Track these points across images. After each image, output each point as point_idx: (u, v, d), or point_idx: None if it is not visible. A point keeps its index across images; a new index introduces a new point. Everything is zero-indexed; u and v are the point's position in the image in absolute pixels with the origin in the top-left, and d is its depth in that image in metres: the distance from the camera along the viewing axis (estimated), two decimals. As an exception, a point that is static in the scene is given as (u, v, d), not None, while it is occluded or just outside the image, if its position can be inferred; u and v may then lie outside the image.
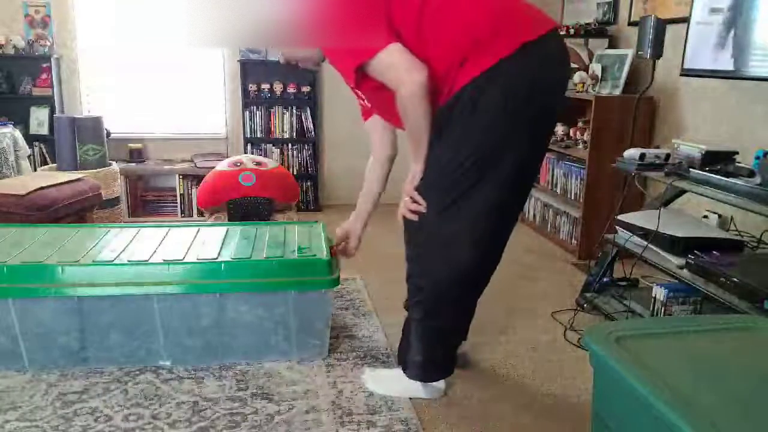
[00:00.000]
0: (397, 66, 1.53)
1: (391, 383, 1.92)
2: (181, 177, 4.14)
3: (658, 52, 2.71)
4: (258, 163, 3.54)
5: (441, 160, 1.66)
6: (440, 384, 1.91)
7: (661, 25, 2.69)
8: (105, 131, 3.76)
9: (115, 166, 3.79)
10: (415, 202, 1.71)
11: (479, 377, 2.06)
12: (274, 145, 4.31)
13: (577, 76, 3.50)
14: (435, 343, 1.85)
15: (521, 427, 1.79)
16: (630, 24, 3.43)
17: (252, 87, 4.23)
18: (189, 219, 4.12)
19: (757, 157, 2.09)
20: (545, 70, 1.60)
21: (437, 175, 1.67)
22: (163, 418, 1.76)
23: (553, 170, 3.72)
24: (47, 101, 4.08)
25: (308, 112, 4.30)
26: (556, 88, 1.66)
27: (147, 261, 1.97)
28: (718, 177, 2.08)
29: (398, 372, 1.92)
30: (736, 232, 2.43)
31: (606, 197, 3.20)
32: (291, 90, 4.26)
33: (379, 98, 1.72)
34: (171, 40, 4.06)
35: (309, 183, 4.40)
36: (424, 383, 1.88)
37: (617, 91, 3.27)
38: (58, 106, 4.11)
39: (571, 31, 3.61)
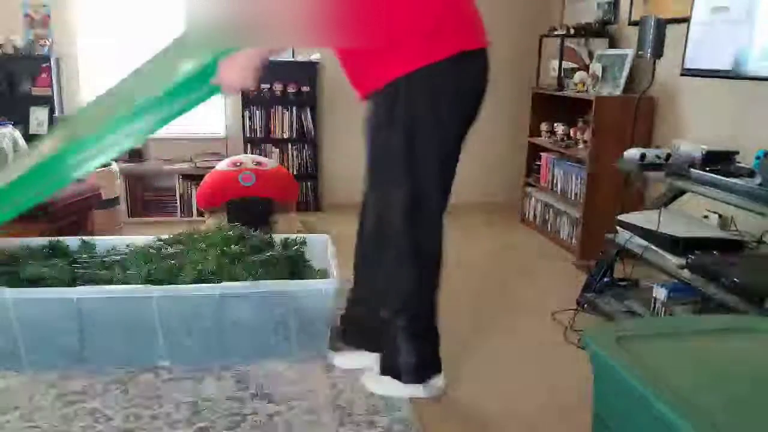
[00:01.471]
0: None
1: (392, 385, 1.91)
2: (180, 177, 4.14)
3: (658, 52, 2.71)
4: (258, 163, 3.54)
5: (390, 148, 1.70)
6: (439, 382, 1.91)
7: (662, 25, 2.69)
8: (105, 131, 3.75)
9: (115, 166, 3.78)
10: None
11: (479, 377, 2.06)
12: (274, 145, 4.31)
13: (577, 76, 3.50)
14: (424, 341, 1.87)
15: (521, 428, 1.79)
16: (630, 24, 3.43)
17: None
18: (189, 219, 4.12)
19: (757, 157, 2.09)
20: (474, 81, 1.79)
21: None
22: (162, 418, 1.76)
23: (553, 170, 3.72)
24: (47, 101, 4.08)
25: (308, 112, 4.30)
26: (479, 99, 1.86)
27: None
28: (719, 177, 2.08)
29: (388, 379, 1.90)
30: (736, 232, 2.43)
31: (606, 197, 3.20)
32: (291, 90, 4.25)
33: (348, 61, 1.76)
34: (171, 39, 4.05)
35: (309, 183, 4.40)
36: (424, 384, 1.88)
37: (617, 91, 3.27)
38: (58, 106, 4.10)
39: (571, 31, 3.61)
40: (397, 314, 1.82)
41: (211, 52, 1.70)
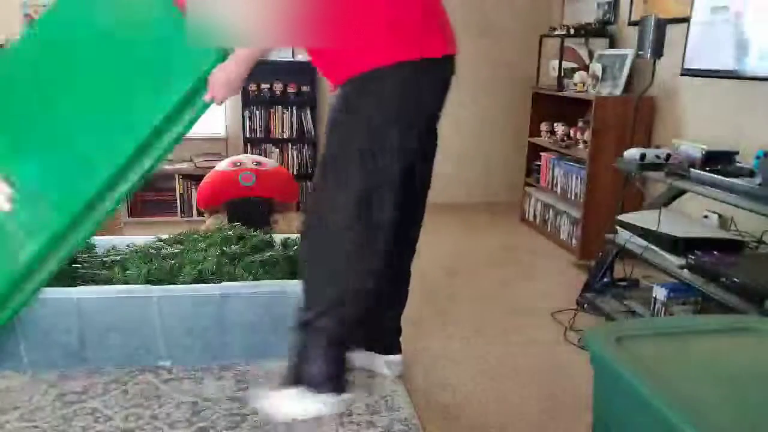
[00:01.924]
0: None
1: (295, 403, 1.72)
2: (180, 177, 4.14)
3: (658, 52, 2.71)
4: (258, 163, 3.54)
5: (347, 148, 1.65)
6: (350, 394, 1.78)
7: (662, 25, 2.69)
8: (105, 131, 3.75)
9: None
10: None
11: (479, 377, 2.06)
12: (274, 145, 4.31)
13: (577, 76, 3.50)
14: (345, 350, 1.75)
15: (521, 427, 1.79)
16: (630, 24, 3.43)
17: (252, 87, 4.22)
18: (189, 219, 4.12)
19: (757, 157, 2.09)
20: (441, 83, 1.73)
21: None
22: (162, 418, 1.76)
23: (553, 170, 3.72)
24: (47, 101, 4.07)
25: (308, 112, 4.30)
26: (442, 100, 1.77)
27: None
28: (719, 177, 2.08)
29: (299, 391, 1.72)
30: (736, 232, 2.43)
31: (606, 197, 3.20)
32: (291, 90, 4.25)
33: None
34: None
35: (309, 183, 4.40)
36: (336, 395, 1.73)
37: (617, 91, 3.27)
38: (58, 106, 4.10)
39: (571, 31, 3.61)
40: (324, 315, 1.68)
41: (195, 70, 1.63)
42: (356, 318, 1.72)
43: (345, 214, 1.62)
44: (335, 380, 1.72)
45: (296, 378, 1.72)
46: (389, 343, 1.99)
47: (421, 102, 1.66)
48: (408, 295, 2.03)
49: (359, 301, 1.71)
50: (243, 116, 4.23)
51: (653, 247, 2.30)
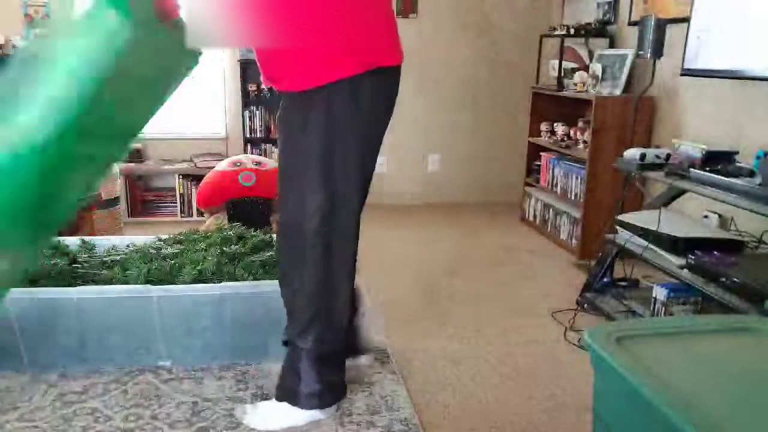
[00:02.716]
0: None
1: (280, 416, 1.74)
2: (180, 177, 4.14)
3: (658, 52, 2.71)
4: (258, 163, 3.54)
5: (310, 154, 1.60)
6: (332, 408, 1.79)
7: (662, 25, 2.69)
8: (105, 131, 3.75)
9: (115, 166, 3.78)
10: None
11: (479, 377, 2.06)
12: (274, 145, 4.30)
13: (577, 76, 3.50)
14: (330, 365, 1.76)
15: (521, 427, 1.79)
16: (630, 24, 3.43)
17: (252, 87, 4.22)
18: (189, 219, 4.12)
19: (757, 157, 2.09)
20: (390, 92, 1.65)
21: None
22: (162, 418, 1.76)
23: (553, 170, 3.72)
24: (47, 101, 4.08)
25: (308, 112, 4.29)
26: (392, 109, 1.68)
27: None
28: (719, 177, 2.08)
29: (284, 405, 1.75)
30: (736, 232, 2.43)
31: (606, 197, 3.20)
32: (291, 90, 4.25)
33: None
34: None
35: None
36: (321, 410, 1.76)
37: (617, 91, 3.27)
38: (58, 106, 4.10)
39: (571, 31, 3.61)
40: (301, 335, 1.69)
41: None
42: (339, 332, 1.73)
43: (315, 222, 1.61)
44: (324, 396, 1.74)
45: (284, 395, 1.75)
46: (353, 346, 1.96)
47: (378, 103, 1.63)
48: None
49: (338, 313, 1.71)
50: (243, 116, 4.23)
51: (653, 247, 2.30)
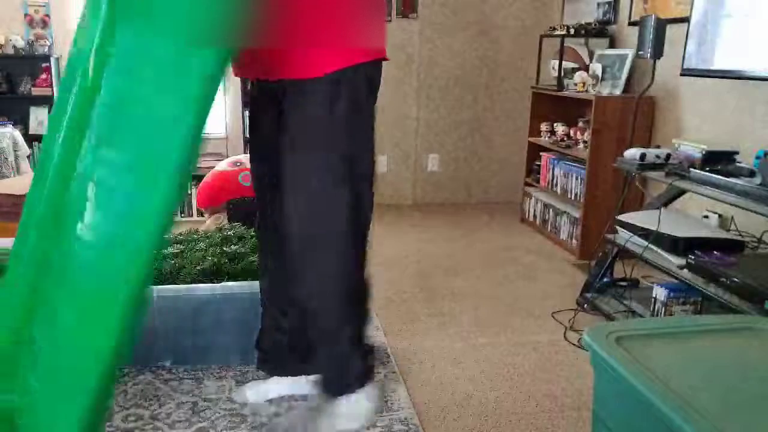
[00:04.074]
0: None
1: (353, 407, 1.70)
2: (180, 177, 4.13)
3: (658, 52, 2.71)
4: (258, 163, 3.54)
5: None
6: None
7: (662, 25, 2.69)
8: (105, 131, 3.75)
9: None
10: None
11: (479, 377, 2.06)
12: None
13: (578, 76, 3.50)
14: (363, 341, 1.73)
15: (521, 427, 1.79)
16: (630, 24, 3.43)
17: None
18: (189, 219, 4.12)
19: (758, 157, 2.09)
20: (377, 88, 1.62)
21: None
22: (162, 418, 1.76)
23: (553, 170, 3.72)
24: (47, 101, 4.08)
25: (308, 112, 4.29)
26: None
27: None
28: (719, 177, 2.08)
29: (344, 399, 1.70)
30: (736, 232, 2.43)
31: (606, 197, 3.20)
32: (291, 90, 4.25)
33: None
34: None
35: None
36: (371, 383, 1.73)
37: (617, 91, 3.27)
38: (58, 106, 4.10)
39: (571, 31, 3.61)
40: (340, 327, 1.66)
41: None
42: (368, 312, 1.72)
43: (345, 216, 1.57)
44: (368, 373, 1.72)
45: (340, 388, 1.70)
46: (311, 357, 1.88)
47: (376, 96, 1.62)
48: None
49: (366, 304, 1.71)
50: (243, 116, 4.23)
51: (653, 247, 2.30)
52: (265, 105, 1.65)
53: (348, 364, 1.69)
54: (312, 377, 1.87)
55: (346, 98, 1.49)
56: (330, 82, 1.47)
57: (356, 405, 1.70)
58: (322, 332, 1.69)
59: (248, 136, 1.53)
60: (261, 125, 1.71)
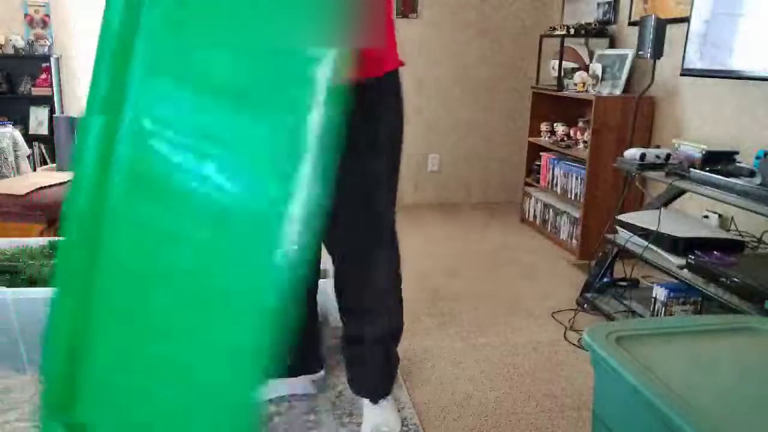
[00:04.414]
0: None
1: (391, 416, 1.76)
2: (181, 177, 4.14)
3: (658, 52, 2.71)
4: (258, 163, 3.54)
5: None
6: None
7: (662, 25, 2.69)
8: (105, 131, 3.75)
9: (115, 166, 3.78)
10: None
11: (479, 377, 2.06)
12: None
13: (578, 76, 3.50)
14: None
15: (521, 428, 1.79)
16: (630, 24, 3.43)
17: (252, 87, 4.22)
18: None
19: (758, 157, 2.09)
20: None
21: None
22: (162, 418, 1.75)
23: (553, 170, 3.72)
24: (47, 101, 4.08)
25: (308, 112, 4.29)
26: None
27: None
28: (719, 177, 2.08)
29: (385, 402, 1.76)
30: (736, 232, 2.43)
31: (606, 197, 3.20)
32: (291, 90, 4.25)
33: None
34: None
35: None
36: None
37: (617, 91, 3.27)
38: (58, 106, 4.11)
39: (571, 31, 3.62)
40: (394, 321, 1.74)
41: None
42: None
43: (391, 219, 1.64)
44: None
45: (383, 392, 1.77)
46: (312, 361, 1.93)
47: None
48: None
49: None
50: (243, 116, 4.23)
51: (653, 247, 2.30)
52: None
53: (388, 367, 1.77)
54: (314, 377, 1.90)
55: (398, 96, 1.57)
56: (390, 79, 1.55)
57: (392, 407, 1.77)
58: (391, 331, 1.74)
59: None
60: None
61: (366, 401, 1.76)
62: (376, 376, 1.75)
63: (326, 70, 0.91)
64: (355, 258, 1.64)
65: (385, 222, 1.62)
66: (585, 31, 3.63)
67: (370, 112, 1.50)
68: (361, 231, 1.60)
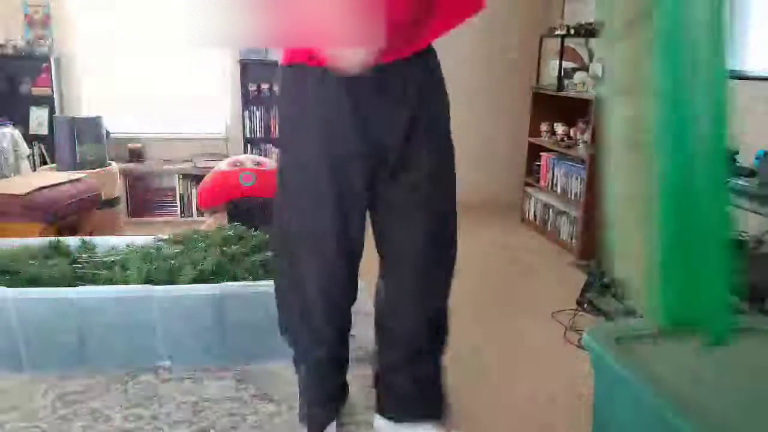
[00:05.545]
0: None
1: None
2: (181, 177, 4.14)
3: (658, 52, 2.71)
4: (258, 163, 3.54)
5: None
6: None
7: (661, 25, 2.69)
8: (104, 131, 3.75)
9: (115, 166, 3.78)
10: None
11: (479, 378, 2.06)
12: (274, 145, 4.31)
13: (578, 76, 3.50)
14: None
15: (521, 428, 1.79)
16: (630, 24, 3.43)
17: (252, 87, 4.23)
18: (189, 219, 4.12)
19: (758, 157, 2.09)
20: None
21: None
22: (163, 418, 1.75)
23: (553, 170, 3.72)
24: (47, 101, 4.08)
25: (308, 112, 4.29)
26: None
27: None
28: (718, 177, 2.08)
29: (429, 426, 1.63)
30: (736, 232, 2.42)
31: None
32: (291, 90, 4.25)
33: None
34: (170, 40, 4.06)
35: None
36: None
37: (617, 91, 3.27)
38: (58, 106, 4.11)
39: (571, 31, 3.61)
40: (443, 343, 1.71)
41: None
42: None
43: (455, 221, 1.78)
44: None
45: (435, 413, 1.67)
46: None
47: None
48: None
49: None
50: (243, 116, 4.24)
51: (653, 247, 2.30)
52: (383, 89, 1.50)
53: (437, 386, 1.69)
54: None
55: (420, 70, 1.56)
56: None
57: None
58: (442, 342, 1.72)
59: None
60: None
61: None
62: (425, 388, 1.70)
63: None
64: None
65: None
66: (585, 31, 3.63)
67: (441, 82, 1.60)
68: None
